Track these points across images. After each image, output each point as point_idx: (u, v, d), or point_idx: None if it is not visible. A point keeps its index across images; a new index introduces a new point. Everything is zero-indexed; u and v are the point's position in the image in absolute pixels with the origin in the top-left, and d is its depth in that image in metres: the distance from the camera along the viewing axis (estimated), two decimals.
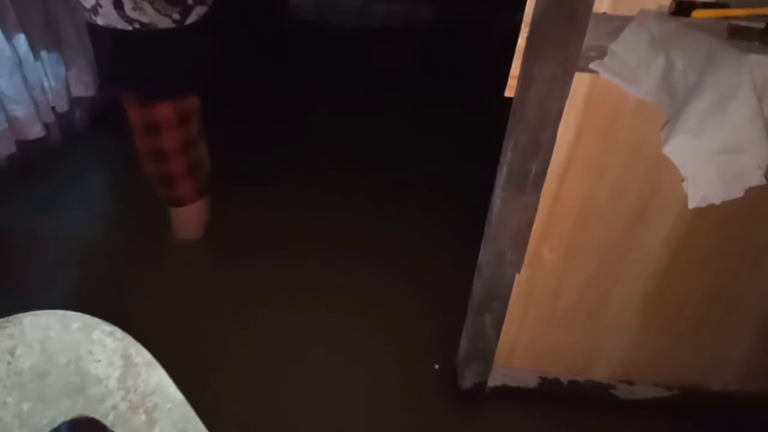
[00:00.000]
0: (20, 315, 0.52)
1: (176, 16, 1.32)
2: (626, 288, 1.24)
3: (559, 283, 1.24)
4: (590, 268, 1.21)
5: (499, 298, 1.25)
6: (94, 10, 1.29)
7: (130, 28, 1.30)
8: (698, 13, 0.86)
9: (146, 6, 1.28)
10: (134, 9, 1.27)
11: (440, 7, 4.26)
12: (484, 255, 1.23)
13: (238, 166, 2.25)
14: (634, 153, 1.06)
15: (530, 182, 1.09)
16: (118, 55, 1.35)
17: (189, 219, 1.70)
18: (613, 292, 1.25)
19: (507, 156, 1.08)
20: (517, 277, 1.22)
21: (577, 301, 1.26)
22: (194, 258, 1.76)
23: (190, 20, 1.35)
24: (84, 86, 2.30)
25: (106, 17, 1.29)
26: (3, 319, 0.51)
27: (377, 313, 1.63)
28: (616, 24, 0.91)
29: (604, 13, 0.93)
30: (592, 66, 0.95)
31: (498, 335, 1.31)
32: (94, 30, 1.35)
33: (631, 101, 0.99)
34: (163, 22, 1.31)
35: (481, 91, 1.86)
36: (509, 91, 1.04)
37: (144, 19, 1.29)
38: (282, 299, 1.65)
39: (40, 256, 1.75)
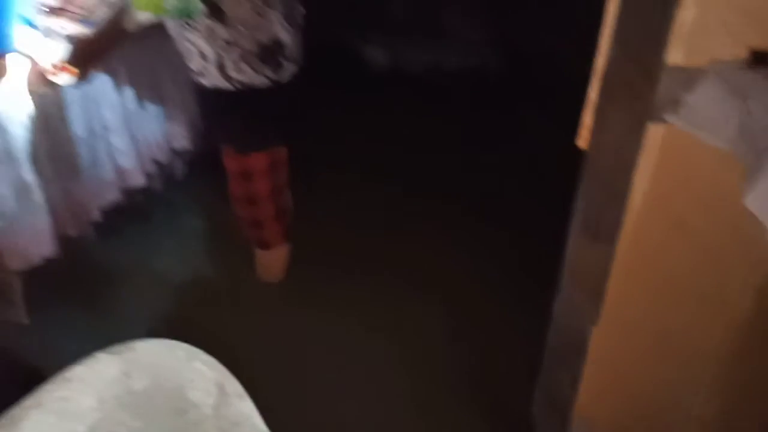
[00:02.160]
0: (134, 342, 0.60)
1: (270, 75, 1.48)
2: (710, 343, 1.18)
3: (639, 336, 1.20)
4: (673, 321, 1.17)
5: (576, 352, 1.22)
6: (201, 72, 1.47)
7: (231, 87, 1.46)
8: None
9: (245, 67, 1.44)
10: (235, 70, 1.44)
11: (513, 59, 4.33)
12: (559, 305, 1.22)
13: (317, 213, 2.36)
14: (716, 203, 1.03)
15: (605, 231, 1.08)
16: (220, 111, 1.53)
17: (273, 261, 1.83)
18: (698, 349, 1.19)
19: (581, 204, 1.08)
20: (595, 329, 1.19)
21: (659, 356, 1.21)
22: (276, 298, 1.88)
23: (282, 78, 1.51)
24: (182, 139, 2.53)
25: (211, 78, 1.46)
26: (121, 345, 0.59)
27: (446, 362, 1.66)
28: (690, 74, 0.92)
29: (677, 65, 0.94)
30: (666, 117, 0.95)
31: (576, 391, 1.28)
32: (198, 89, 1.55)
33: (711, 151, 0.97)
34: (260, 81, 1.47)
35: (553, 138, 1.87)
36: (581, 141, 1.05)
37: (243, 79, 1.46)
38: (358, 340, 1.71)
39: (140, 291, 1.95)
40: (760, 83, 0.81)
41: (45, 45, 1.61)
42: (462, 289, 1.99)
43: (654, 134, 0.99)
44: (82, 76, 1.55)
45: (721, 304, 1.13)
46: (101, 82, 2.02)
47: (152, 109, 2.33)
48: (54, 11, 1.70)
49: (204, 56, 1.44)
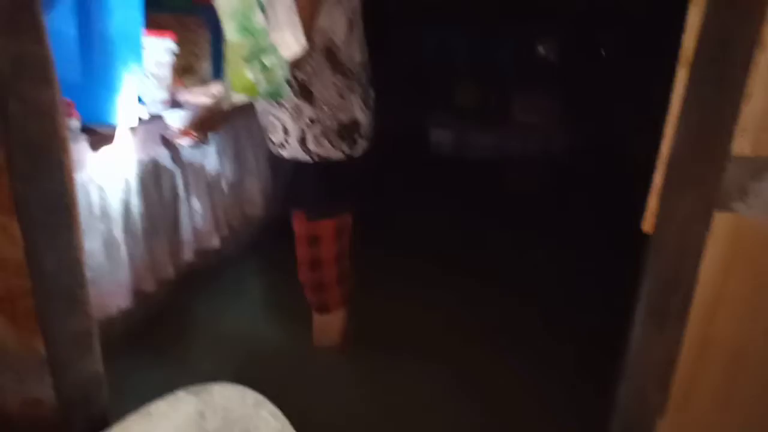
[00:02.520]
0: (211, 384, 0.64)
1: (345, 149, 1.61)
2: None
3: (709, 429, 1.12)
4: (743, 417, 1.09)
5: None
6: (281, 144, 1.61)
7: (309, 159, 1.59)
8: None
9: (325, 142, 1.58)
10: (315, 144, 1.58)
11: (575, 141, 4.37)
12: (623, 394, 1.17)
13: (376, 282, 2.41)
14: None
15: (672, 319, 1.06)
16: (296, 180, 1.65)
17: (331, 326, 1.88)
18: None
19: (646, 290, 1.07)
20: (660, 423, 1.13)
21: None
22: (334, 362, 1.92)
23: (355, 153, 1.63)
24: (256, 206, 2.69)
25: (291, 150, 1.60)
26: (199, 386, 0.64)
27: None
28: (759, 164, 0.93)
29: (744, 155, 0.95)
30: (734, 205, 0.95)
31: None
32: (277, 160, 1.68)
33: None
34: (336, 155, 1.60)
35: (617, 221, 1.87)
36: (646, 226, 1.06)
37: (322, 152, 1.59)
38: (409, 415, 1.70)
39: (205, 346, 2.07)
40: None
41: (171, 113, 1.91)
42: (521, 377, 1.94)
43: (721, 222, 0.99)
44: (202, 140, 1.77)
45: None
46: (189, 151, 2.22)
47: (232, 177, 2.52)
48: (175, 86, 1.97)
49: (287, 130, 1.58)
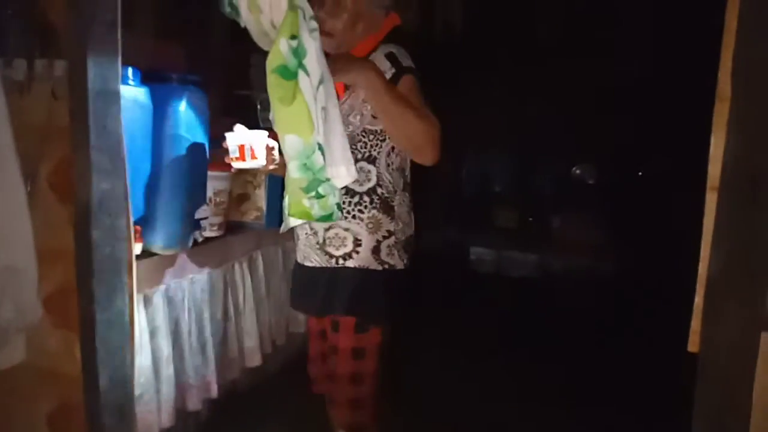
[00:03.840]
0: None
1: (406, 261, 1.70)
2: None
3: None
4: None
5: None
6: (348, 255, 1.65)
7: (380, 268, 1.65)
8: None
9: (396, 252, 1.67)
10: (388, 254, 1.66)
11: (618, 261, 4.32)
12: None
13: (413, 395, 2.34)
14: None
15: None
16: (359, 289, 1.66)
17: None
18: None
19: (698, 414, 1.03)
20: None
21: None
22: None
23: (407, 264, 1.71)
24: (298, 323, 2.73)
25: (362, 260, 1.65)
26: None
27: None
28: None
29: None
30: None
31: None
32: (335, 272, 1.68)
33: None
34: (399, 265, 1.68)
35: (665, 343, 1.80)
36: (692, 347, 1.04)
37: (392, 262, 1.66)
38: None
39: None
40: None
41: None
42: None
43: None
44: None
45: None
46: (241, 270, 2.34)
47: (278, 295, 2.60)
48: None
49: (359, 241, 1.64)
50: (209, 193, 2.07)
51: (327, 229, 1.67)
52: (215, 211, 2.15)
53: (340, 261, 1.67)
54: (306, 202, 1.36)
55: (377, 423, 1.78)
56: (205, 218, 2.07)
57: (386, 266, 1.66)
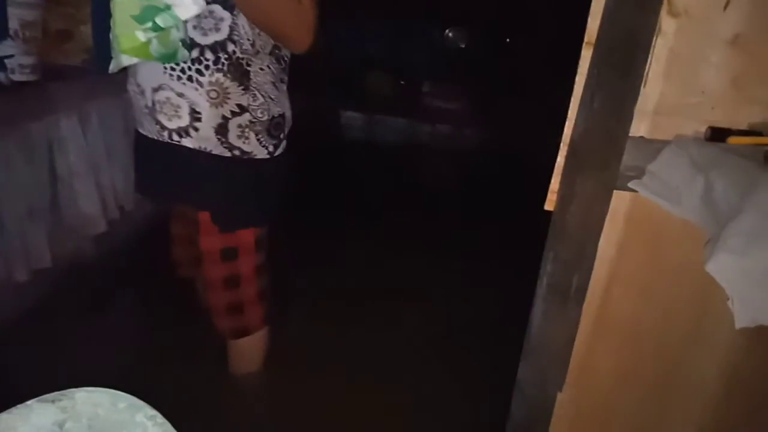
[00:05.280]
0: (74, 390, 0.55)
1: (271, 149, 1.38)
2: (679, 416, 1.16)
3: (605, 405, 1.17)
4: (639, 390, 1.15)
5: (541, 420, 1.19)
6: (184, 131, 1.30)
7: (227, 154, 1.32)
8: (734, 140, 0.90)
9: (252, 136, 1.32)
10: (239, 137, 1.31)
11: (481, 130, 4.49)
12: (523, 372, 1.19)
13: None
14: (681, 272, 1.05)
15: (571, 296, 1.08)
16: (206, 179, 1.35)
17: (252, 349, 1.60)
18: (666, 419, 1.17)
19: (547, 269, 1.08)
20: (560, 396, 1.17)
21: (626, 426, 1.19)
22: (256, 389, 1.68)
23: (277, 152, 1.41)
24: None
25: (202, 141, 1.30)
26: (57, 393, 0.54)
27: None
28: (654, 147, 0.96)
29: (642, 137, 0.98)
30: (631, 185, 0.98)
31: None
32: (167, 149, 1.34)
33: (675, 220, 1.00)
34: (261, 153, 1.36)
35: (522, 204, 1.91)
36: (549, 205, 1.07)
37: (246, 148, 1.33)
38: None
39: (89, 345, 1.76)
40: (721, 158, 0.84)
41: None
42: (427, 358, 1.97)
43: (619, 202, 1.02)
44: None
45: (691, 378, 1.13)
46: (70, 124, 1.99)
47: (124, 155, 2.29)
48: None
49: (197, 114, 1.28)
50: (13, 25, 1.65)
51: (156, 89, 1.28)
52: (25, 48, 1.73)
53: (175, 137, 1.31)
54: (140, 35, 1.11)
55: (267, 325, 1.58)
56: (11, 56, 1.67)
57: (236, 152, 1.32)
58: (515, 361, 1.22)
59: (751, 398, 1.12)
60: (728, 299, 0.74)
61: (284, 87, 1.40)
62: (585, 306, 1.08)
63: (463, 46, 4.75)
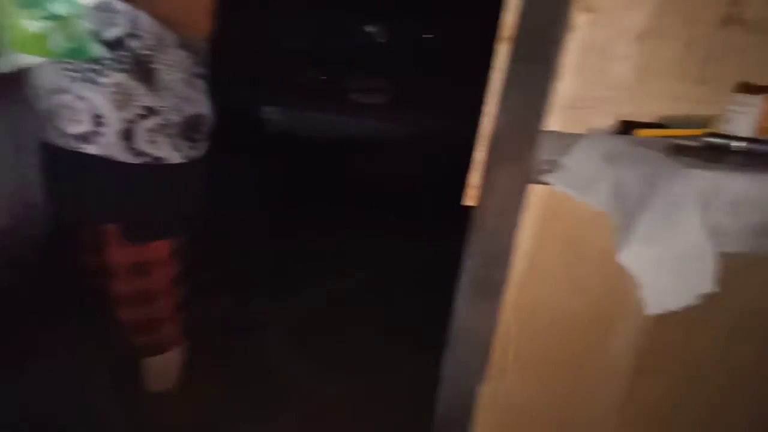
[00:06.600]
0: None
1: (187, 152, 1.27)
2: (598, 399, 1.21)
3: (527, 393, 1.20)
4: (558, 377, 1.18)
5: (465, 411, 1.20)
6: (84, 137, 1.18)
7: (135, 161, 1.20)
8: (640, 132, 0.93)
9: (162, 140, 1.21)
10: (148, 142, 1.20)
11: (402, 125, 4.51)
12: (447, 366, 1.20)
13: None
14: (595, 261, 1.08)
15: (491, 290, 1.09)
16: (112, 188, 1.24)
17: (170, 366, 1.48)
18: (585, 403, 1.21)
19: (468, 263, 1.09)
20: (484, 388, 1.18)
21: (547, 412, 1.22)
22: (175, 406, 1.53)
23: (194, 156, 1.30)
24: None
25: (105, 147, 1.19)
26: None
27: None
28: (567, 141, 0.98)
29: (555, 131, 0.99)
30: (545, 178, 0.99)
31: None
32: (69, 156, 1.21)
33: (589, 211, 1.02)
34: (175, 158, 1.25)
35: (443, 200, 1.91)
36: (468, 200, 1.07)
37: (157, 153, 1.22)
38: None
39: None
40: (629, 150, 0.87)
41: None
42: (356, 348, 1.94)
43: (535, 195, 1.03)
44: None
45: (606, 363, 1.17)
46: None
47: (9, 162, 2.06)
48: None
49: (100, 118, 1.17)
50: None
51: (53, 92, 1.15)
52: None
53: (77, 143, 1.19)
54: (30, 25, 0.95)
55: (185, 340, 1.48)
56: None
57: (147, 159, 1.21)
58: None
59: (660, 377, 1.18)
60: (639, 287, 0.77)
61: (200, 83, 1.29)
62: (505, 298, 1.09)
63: (383, 41, 4.75)
